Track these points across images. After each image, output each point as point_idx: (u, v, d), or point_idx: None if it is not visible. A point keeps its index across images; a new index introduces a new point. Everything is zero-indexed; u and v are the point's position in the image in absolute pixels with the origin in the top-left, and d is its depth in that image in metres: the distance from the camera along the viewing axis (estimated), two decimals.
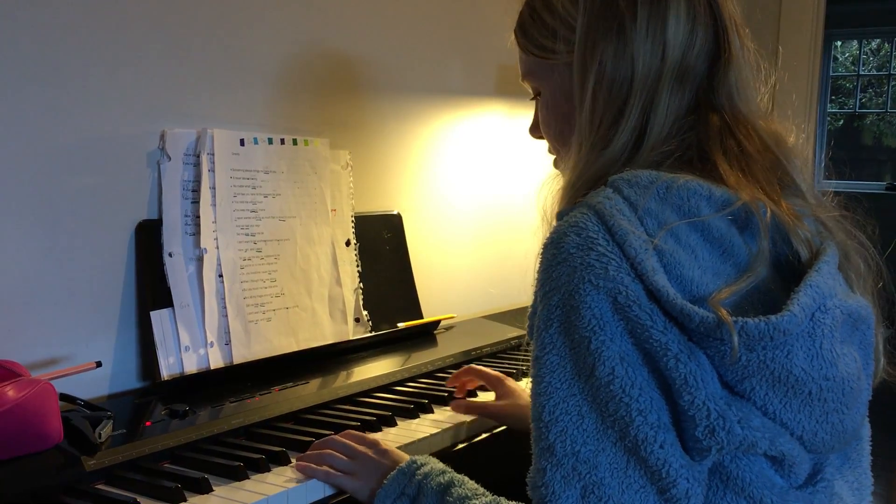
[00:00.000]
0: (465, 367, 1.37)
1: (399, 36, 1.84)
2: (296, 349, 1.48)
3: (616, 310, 0.74)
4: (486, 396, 1.35)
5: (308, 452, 1.08)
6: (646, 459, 0.73)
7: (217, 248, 1.39)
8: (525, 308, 0.85)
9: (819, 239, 0.84)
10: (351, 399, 1.33)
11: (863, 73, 6.69)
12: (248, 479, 1.02)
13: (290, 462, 1.07)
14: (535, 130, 1.02)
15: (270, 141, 1.50)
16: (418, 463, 0.98)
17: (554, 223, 0.84)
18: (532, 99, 1.01)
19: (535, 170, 1.02)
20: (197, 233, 1.38)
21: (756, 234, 0.79)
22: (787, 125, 0.92)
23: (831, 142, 6.71)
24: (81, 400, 1.14)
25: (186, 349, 1.34)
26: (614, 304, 0.74)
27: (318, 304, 1.54)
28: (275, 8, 1.56)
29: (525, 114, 1.05)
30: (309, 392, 1.31)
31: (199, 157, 1.39)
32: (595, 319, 0.74)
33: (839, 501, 0.82)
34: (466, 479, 0.94)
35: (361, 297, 1.63)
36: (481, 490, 0.92)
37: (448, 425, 1.23)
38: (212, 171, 1.40)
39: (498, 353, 1.63)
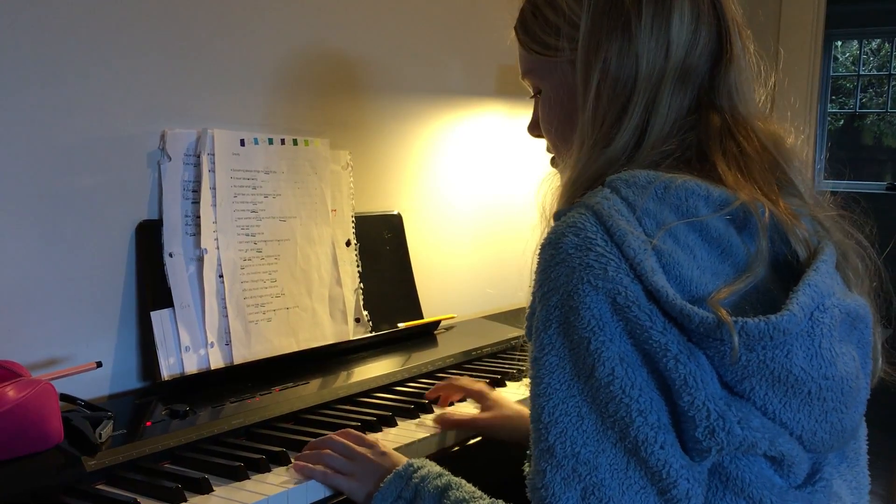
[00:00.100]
0: (447, 380, 1.35)
1: (399, 36, 1.84)
2: (296, 349, 1.48)
3: (615, 310, 0.74)
4: (466, 407, 1.32)
5: (305, 452, 1.08)
6: (646, 460, 0.73)
7: (217, 248, 1.40)
8: (525, 308, 0.85)
9: (817, 238, 0.84)
10: (351, 399, 1.33)
11: (863, 73, 6.69)
12: (249, 479, 1.02)
13: (291, 462, 1.07)
14: (535, 129, 1.01)
15: (271, 141, 1.50)
16: (415, 466, 0.98)
17: (552, 222, 0.84)
18: (532, 97, 1.00)
19: (536, 170, 1.02)
20: (197, 233, 1.38)
21: (754, 234, 0.79)
22: (786, 126, 0.92)
23: (831, 142, 6.71)
24: (82, 400, 1.14)
25: (187, 349, 1.34)
26: (613, 304, 0.74)
27: (319, 304, 1.54)
28: (275, 8, 1.56)
29: (525, 114, 1.04)
30: (309, 392, 1.32)
31: (199, 157, 1.40)
32: (594, 320, 0.74)
33: (838, 501, 0.82)
34: (464, 481, 0.94)
35: (362, 297, 1.63)
36: (479, 493, 0.92)
37: None
38: (212, 171, 1.40)
39: (498, 354, 1.63)
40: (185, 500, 0.95)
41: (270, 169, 1.50)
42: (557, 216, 0.83)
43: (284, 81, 1.59)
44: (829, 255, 0.81)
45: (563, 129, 0.95)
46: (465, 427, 1.23)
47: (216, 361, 1.37)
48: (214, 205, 1.40)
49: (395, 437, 1.18)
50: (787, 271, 0.81)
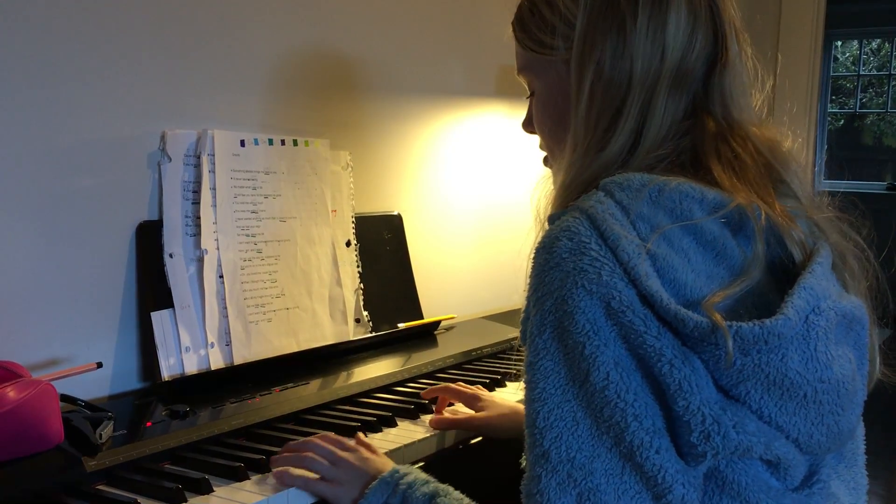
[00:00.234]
0: (442, 385, 1.34)
1: (399, 37, 1.84)
2: (296, 350, 1.48)
3: (609, 315, 0.74)
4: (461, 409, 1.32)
5: (286, 454, 1.05)
6: (641, 465, 0.73)
7: (217, 248, 1.40)
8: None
9: (813, 240, 0.83)
10: (351, 399, 1.33)
11: (863, 73, 6.69)
12: (249, 479, 1.02)
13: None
14: (529, 125, 1.01)
15: (271, 142, 1.50)
16: (401, 472, 0.97)
17: (547, 226, 0.84)
18: (528, 97, 1.00)
19: (536, 170, 1.02)
20: (197, 234, 1.38)
21: (750, 237, 0.79)
22: (783, 130, 0.91)
23: (831, 142, 6.72)
24: (82, 401, 1.14)
25: (187, 350, 1.34)
26: (607, 309, 0.74)
27: (319, 304, 1.54)
28: (275, 9, 1.56)
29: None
30: (309, 393, 1.32)
31: (199, 157, 1.40)
32: (589, 325, 0.74)
33: (835, 502, 0.81)
34: (451, 488, 0.93)
35: (362, 297, 1.63)
36: (467, 500, 0.91)
37: None
38: (212, 171, 1.40)
39: (498, 354, 1.63)
40: (186, 501, 0.95)
41: (270, 169, 1.50)
42: (552, 220, 0.82)
43: (285, 82, 1.59)
44: (824, 257, 0.81)
45: (557, 128, 0.94)
46: (461, 427, 1.23)
47: (216, 362, 1.37)
48: (214, 205, 1.40)
49: (395, 438, 1.18)
50: (783, 274, 0.80)
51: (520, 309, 0.84)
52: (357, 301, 1.62)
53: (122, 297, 1.33)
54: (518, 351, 0.83)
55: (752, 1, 2.90)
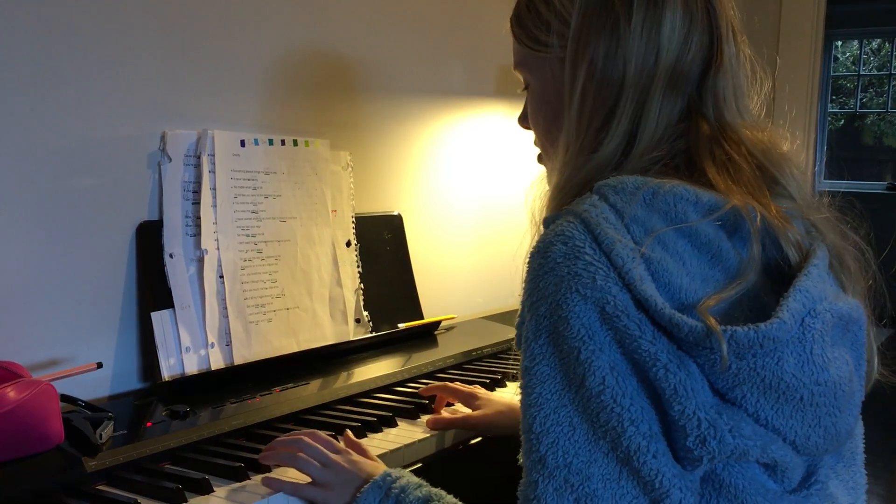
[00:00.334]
0: (441, 383, 1.34)
1: (399, 37, 1.84)
2: (296, 350, 1.48)
3: (604, 320, 0.74)
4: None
5: (274, 451, 1.03)
6: (638, 470, 0.72)
7: (218, 248, 1.40)
8: None
9: (809, 241, 0.83)
10: (351, 400, 1.33)
11: (863, 72, 6.69)
12: (249, 479, 1.02)
13: None
14: (524, 121, 1.01)
15: (271, 142, 1.50)
16: (393, 476, 0.95)
17: (542, 229, 0.83)
18: (522, 90, 1.00)
19: (536, 170, 1.02)
20: (198, 234, 1.38)
21: (746, 239, 0.78)
22: (781, 132, 0.91)
23: (832, 142, 6.71)
24: (82, 401, 1.14)
25: (187, 350, 1.34)
26: (602, 314, 0.73)
27: (319, 304, 1.54)
28: (275, 9, 1.56)
29: None
30: (309, 393, 1.32)
31: (199, 158, 1.40)
32: (584, 329, 0.74)
33: (834, 502, 0.81)
34: (444, 492, 0.93)
35: (362, 297, 1.63)
36: None
37: None
38: (212, 172, 1.40)
39: (498, 354, 1.63)
40: (186, 501, 0.95)
41: (271, 170, 1.50)
42: (546, 223, 0.82)
43: (285, 82, 1.59)
44: (821, 259, 0.80)
45: (550, 126, 0.94)
46: (458, 426, 1.23)
47: (216, 362, 1.37)
48: (215, 205, 1.40)
49: (395, 438, 1.18)
50: (779, 275, 0.80)
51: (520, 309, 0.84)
52: (357, 301, 1.62)
53: (122, 297, 1.33)
54: (518, 351, 0.82)
55: (752, 1, 2.90)
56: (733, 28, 0.89)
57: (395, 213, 1.78)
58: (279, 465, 1.04)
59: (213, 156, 1.40)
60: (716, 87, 0.87)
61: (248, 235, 1.45)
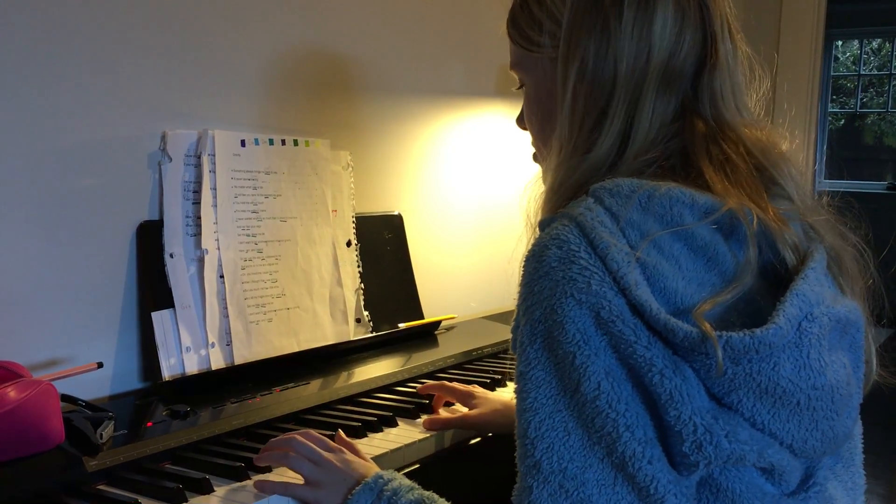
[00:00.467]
0: (438, 382, 1.33)
1: (400, 37, 1.84)
2: (297, 350, 1.48)
3: (599, 325, 0.73)
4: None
5: (268, 451, 1.03)
6: (633, 476, 0.72)
7: (218, 248, 1.40)
8: None
9: (807, 242, 0.82)
10: (352, 399, 1.33)
11: (864, 72, 6.69)
12: (250, 479, 1.02)
13: None
14: (522, 122, 1.00)
15: (271, 142, 1.50)
16: (385, 478, 0.95)
17: (538, 231, 0.82)
18: (517, 89, 0.99)
19: (535, 171, 1.02)
20: (198, 233, 1.38)
21: (742, 242, 0.77)
22: (780, 131, 0.90)
23: (832, 142, 6.71)
24: (83, 401, 1.14)
25: (187, 350, 1.34)
26: (597, 319, 0.73)
27: (319, 304, 1.54)
28: (275, 9, 1.56)
29: None
30: (310, 392, 1.32)
31: (199, 157, 1.40)
32: (579, 334, 0.73)
33: None
34: (436, 496, 0.92)
35: (362, 297, 1.63)
36: None
37: None
38: (213, 171, 1.40)
39: (498, 354, 1.63)
40: (186, 501, 0.95)
41: (271, 169, 1.50)
42: (542, 226, 0.82)
43: (285, 82, 1.59)
44: (818, 262, 0.80)
45: (544, 127, 0.94)
46: (455, 426, 1.22)
47: (217, 362, 1.37)
48: (215, 205, 1.40)
49: (395, 438, 1.18)
50: (776, 278, 0.79)
51: None
52: (357, 301, 1.62)
53: (122, 297, 1.33)
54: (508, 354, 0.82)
55: (753, 1, 2.90)
56: (730, 25, 0.88)
57: (396, 212, 1.78)
58: (275, 466, 1.04)
59: (214, 156, 1.40)
60: (712, 85, 0.86)
61: (248, 235, 1.45)
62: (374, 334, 1.62)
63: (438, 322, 1.76)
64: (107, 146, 1.31)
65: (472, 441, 1.24)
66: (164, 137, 1.37)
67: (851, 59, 6.76)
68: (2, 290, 1.19)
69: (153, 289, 1.33)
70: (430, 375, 1.47)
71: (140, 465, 1.05)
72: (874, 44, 6.66)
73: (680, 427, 0.72)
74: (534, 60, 0.92)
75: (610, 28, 0.84)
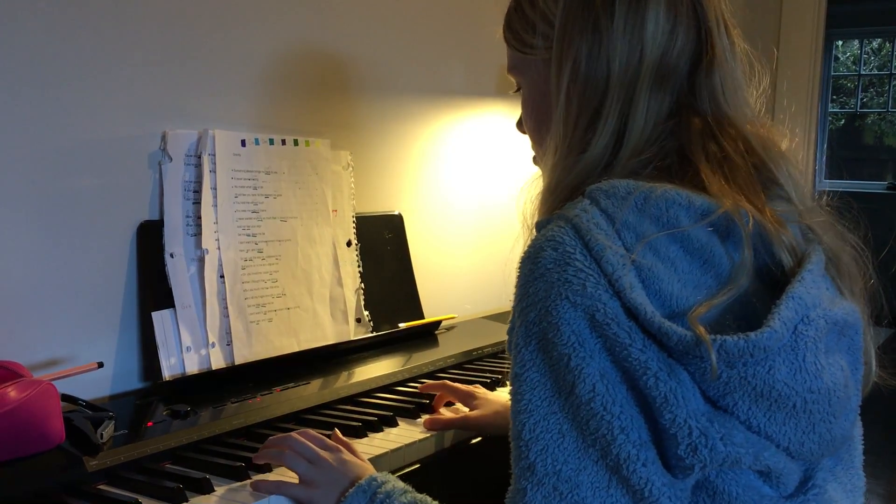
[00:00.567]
0: (439, 381, 1.33)
1: (400, 37, 1.84)
2: (297, 349, 1.48)
3: (593, 327, 0.73)
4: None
5: (265, 450, 1.03)
6: (628, 479, 0.72)
7: (218, 248, 1.40)
8: None
9: (805, 244, 0.82)
10: (352, 399, 1.33)
11: (864, 72, 6.69)
12: (250, 479, 1.02)
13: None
14: (521, 126, 1.00)
15: (271, 142, 1.50)
16: (379, 481, 0.94)
17: (534, 232, 0.82)
18: (514, 92, 0.99)
19: (535, 171, 1.02)
20: (198, 233, 1.38)
21: (738, 243, 0.77)
22: (781, 129, 0.89)
23: (832, 142, 6.71)
24: (83, 400, 1.14)
25: (188, 350, 1.34)
26: (592, 321, 0.73)
27: (320, 304, 1.54)
28: (276, 9, 1.56)
29: None
30: (310, 392, 1.32)
31: (200, 157, 1.40)
32: (574, 336, 0.73)
33: None
34: (429, 498, 0.92)
35: (363, 297, 1.63)
36: None
37: None
38: (213, 171, 1.40)
39: (498, 353, 1.63)
40: (187, 501, 0.95)
41: (271, 169, 1.50)
42: (538, 227, 0.81)
43: (285, 82, 1.59)
44: (815, 264, 0.79)
45: (540, 128, 0.93)
46: (456, 427, 1.22)
47: (217, 362, 1.37)
48: (215, 205, 1.40)
49: (395, 437, 1.18)
50: (773, 280, 0.79)
51: None
52: (358, 301, 1.62)
53: (122, 297, 1.33)
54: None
55: (753, 1, 2.90)
56: (725, 22, 0.87)
57: (396, 212, 1.78)
58: (272, 464, 1.03)
59: (214, 155, 1.40)
60: (711, 81, 0.86)
61: (248, 235, 1.45)
62: (375, 334, 1.62)
63: (439, 322, 1.76)
64: (107, 146, 1.31)
65: (472, 441, 1.24)
66: (164, 137, 1.37)
67: (851, 58, 6.76)
68: (2, 290, 1.19)
69: (153, 288, 1.33)
70: (431, 375, 1.48)
71: (140, 464, 1.05)
72: (874, 44, 6.66)
73: (675, 430, 0.71)
74: (528, 62, 0.93)
75: (601, 27, 0.83)
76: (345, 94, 1.72)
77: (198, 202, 1.39)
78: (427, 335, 1.73)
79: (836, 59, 6.73)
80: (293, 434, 1.03)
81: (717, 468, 0.73)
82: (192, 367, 1.34)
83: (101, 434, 1.06)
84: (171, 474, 1.02)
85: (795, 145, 0.91)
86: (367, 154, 1.76)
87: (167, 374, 1.31)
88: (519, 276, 0.78)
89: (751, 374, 0.72)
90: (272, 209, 1.49)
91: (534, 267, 0.76)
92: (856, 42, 6.67)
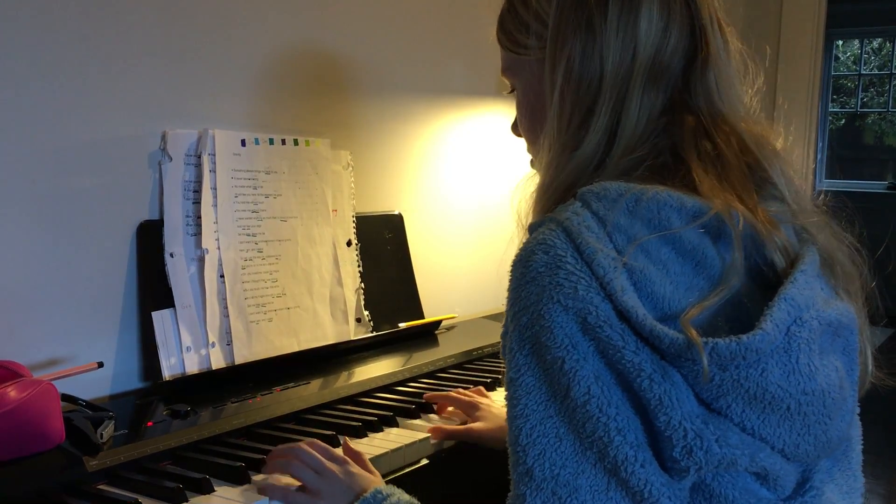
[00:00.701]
0: (443, 393, 1.32)
1: (400, 36, 1.84)
2: (297, 349, 1.48)
3: (586, 330, 0.73)
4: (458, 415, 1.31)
5: (272, 460, 1.03)
6: (627, 480, 0.71)
7: (218, 248, 1.40)
8: None
9: (799, 244, 0.81)
10: (352, 399, 1.33)
11: (864, 72, 6.69)
12: (250, 479, 1.02)
13: None
14: (516, 128, 1.00)
15: (271, 141, 1.50)
16: (384, 493, 0.94)
17: (527, 234, 0.82)
18: (509, 93, 0.99)
19: (533, 171, 1.01)
20: (198, 233, 1.38)
21: (730, 245, 0.77)
22: (775, 127, 0.89)
23: (832, 142, 6.71)
24: (83, 400, 1.14)
25: (188, 349, 1.34)
26: (584, 324, 0.73)
27: (320, 304, 1.54)
28: (275, 8, 1.56)
29: None
30: (310, 392, 1.32)
31: (200, 157, 1.40)
32: (567, 339, 0.73)
33: None
34: None
35: (363, 297, 1.63)
36: None
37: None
38: (213, 171, 1.40)
39: (498, 353, 1.62)
40: (187, 500, 0.95)
41: (271, 169, 1.50)
42: (531, 229, 0.81)
43: (285, 82, 1.59)
44: (808, 264, 0.79)
45: (535, 128, 0.93)
46: (460, 438, 1.22)
47: (217, 361, 1.37)
48: (215, 205, 1.40)
49: (396, 437, 1.18)
50: (766, 281, 0.78)
51: None
52: (358, 301, 1.62)
53: (122, 297, 1.33)
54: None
55: (753, 1, 2.90)
56: (719, 20, 0.87)
57: (396, 212, 1.78)
58: (278, 474, 1.03)
59: (214, 155, 1.40)
60: (705, 79, 0.85)
61: (248, 235, 1.45)
62: (375, 334, 1.62)
63: (439, 322, 1.76)
64: (107, 146, 1.31)
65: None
66: (164, 137, 1.37)
67: (852, 58, 6.76)
68: (2, 289, 1.19)
69: (153, 288, 1.33)
70: (431, 375, 1.48)
71: (140, 464, 1.05)
72: (875, 43, 6.67)
73: (670, 432, 0.71)
74: (522, 63, 0.92)
75: (595, 26, 0.83)
76: (345, 93, 1.72)
77: (198, 202, 1.39)
78: (427, 335, 1.73)
79: (837, 58, 6.73)
80: (300, 444, 1.02)
81: (712, 470, 0.73)
82: (192, 366, 1.34)
83: (101, 434, 1.06)
84: (171, 474, 1.02)
85: (793, 144, 0.91)
86: (367, 154, 1.76)
87: (167, 373, 1.31)
88: (511, 280, 0.78)
89: (743, 377, 0.72)
90: (272, 209, 1.49)
91: (525, 271, 0.76)
92: (856, 42, 6.67)
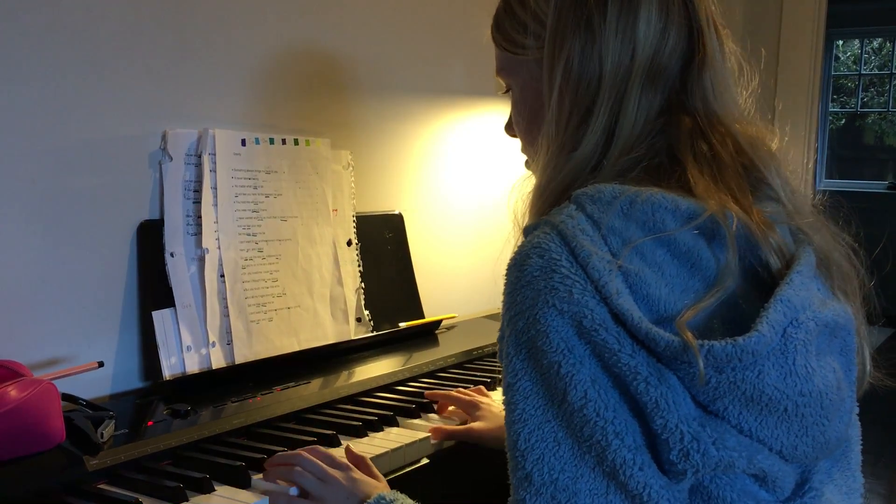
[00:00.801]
0: (443, 392, 1.32)
1: (400, 36, 1.84)
2: (297, 349, 1.48)
3: (581, 334, 0.73)
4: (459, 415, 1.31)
5: (273, 467, 1.02)
6: (625, 483, 0.71)
7: (219, 248, 1.40)
8: None
9: (794, 246, 0.81)
10: (352, 399, 1.33)
11: (864, 72, 6.69)
12: (250, 479, 1.02)
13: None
14: (510, 128, 1.00)
15: (272, 141, 1.50)
16: (388, 499, 0.93)
17: (522, 237, 0.82)
18: (503, 93, 0.99)
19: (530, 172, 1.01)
20: (198, 233, 1.38)
21: (724, 246, 0.76)
22: (771, 129, 0.89)
23: (833, 142, 6.71)
24: (84, 400, 1.14)
25: (188, 349, 1.34)
26: (579, 328, 0.72)
27: (320, 304, 1.54)
28: (275, 8, 1.56)
29: None
30: (310, 392, 1.32)
31: (200, 157, 1.40)
32: (563, 343, 0.73)
33: None
34: None
35: (363, 296, 1.63)
36: None
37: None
38: (213, 171, 1.40)
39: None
40: (187, 500, 0.96)
41: (271, 169, 1.50)
42: (526, 232, 0.81)
43: (285, 81, 1.59)
44: (804, 265, 0.79)
45: (531, 128, 0.93)
46: (460, 438, 1.22)
47: (218, 361, 1.37)
48: (216, 204, 1.40)
49: (396, 437, 1.18)
50: (762, 283, 0.78)
51: None
52: (358, 300, 1.62)
53: (123, 297, 1.33)
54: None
55: (753, 0, 2.90)
56: (715, 22, 0.87)
57: (396, 212, 1.78)
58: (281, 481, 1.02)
59: (214, 155, 1.41)
60: (702, 80, 0.85)
61: (248, 234, 1.45)
62: (375, 334, 1.62)
63: (439, 321, 1.76)
64: (107, 146, 1.31)
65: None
66: (164, 137, 1.37)
67: (852, 58, 6.76)
68: (2, 289, 1.19)
69: (154, 288, 1.33)
70: (431, 375, 1.48)
71: (141, 464, 1.05)
72: (875, 43, 6.67)
73: (667, 435, 0.71)
74: (519, 63, 0.92)
75: (594, 26, 0.83)
76: (345, 93, 1.72)
77: (198, 202, 1.39)
78: (427, 335, 1.73)
79: (837, 58, 6.73)
80: (302, 451, 1.02)
81: (710, 473, 0.73)
82: (193, 366, 1.34)
83: (102, 433, 1.06)
84: (171, 474, 1.02)
85: (793, 144, 0.91)
86: (367, 154, 1.76)
87: (167, 373, 1.31)
88: (506, 284, 0.78)
89: (740, 379, 0.72)
90: (272, 208, 1.49)
91: (520, 275, 0.76)
92: (856, 42, 6.67)
